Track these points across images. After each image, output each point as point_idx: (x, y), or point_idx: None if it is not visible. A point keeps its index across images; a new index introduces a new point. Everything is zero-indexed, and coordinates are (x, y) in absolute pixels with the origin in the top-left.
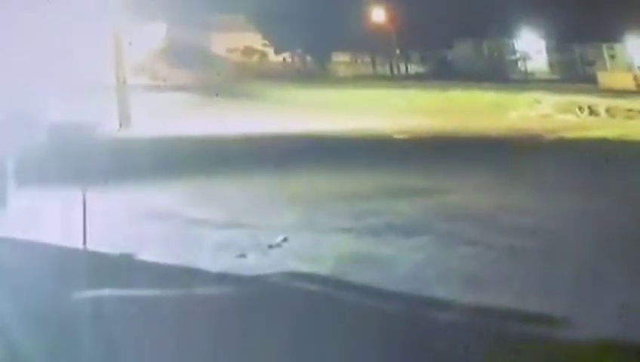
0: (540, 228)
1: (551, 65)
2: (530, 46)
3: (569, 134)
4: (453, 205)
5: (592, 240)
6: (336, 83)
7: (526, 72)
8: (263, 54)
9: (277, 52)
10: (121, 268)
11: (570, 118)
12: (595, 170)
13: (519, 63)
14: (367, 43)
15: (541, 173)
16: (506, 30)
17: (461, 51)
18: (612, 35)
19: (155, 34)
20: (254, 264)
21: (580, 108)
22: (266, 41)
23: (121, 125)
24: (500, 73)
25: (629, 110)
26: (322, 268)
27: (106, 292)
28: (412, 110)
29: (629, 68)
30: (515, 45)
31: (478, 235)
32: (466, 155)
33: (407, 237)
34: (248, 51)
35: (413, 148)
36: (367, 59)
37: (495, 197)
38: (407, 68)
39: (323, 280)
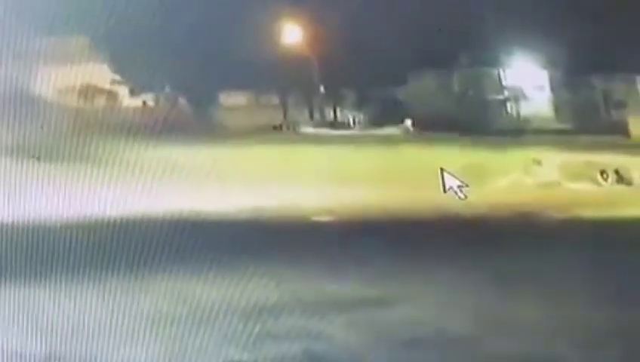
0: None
1: (558, 108)
2: (527, 80)
3: (586, 212)
4: (407, 323)
5: None
6: (226, 138)
7: (519, 118)
8: (113, 96)
9: (134, 92)
10: None
11: (587, 187)
12: (629, 269)
13: (509, 106)
14: (276, 77)
15: (544, 274)
16: (489, 56)
17: (419, 89)
18: None
19: None
20: None
21: (603, 173)
22: (118, 76)
23: None
24: (479, 121)
25: None
26: None
27: None
28: (342, 177)
29: None
30: (503, 79)
31: None
32: (426, 246)
33: None
34: (90, 91)
35: (342, 235)
36: (275, 101)
37: (473, 312)
38: (335, 114)
39: None
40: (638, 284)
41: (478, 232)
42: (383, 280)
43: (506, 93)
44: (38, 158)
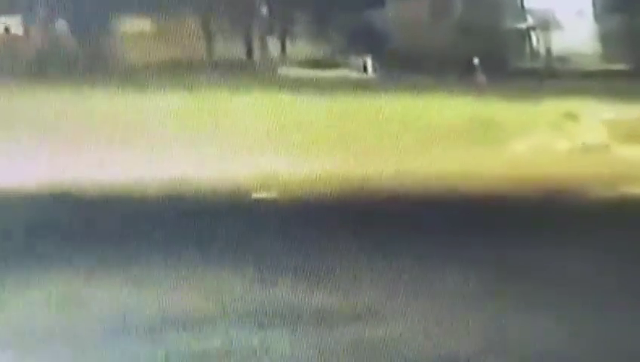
0: None
1: (604, 41)
2: (560, 1)
3: None
4: (387, 345)
5: None
6: (126, 79)
7: (548, 55)
8: None
9: None
10: None
11: None
12: None
13: (534, 38)
14: None
15: (579, 280)
16: None
17: (398, 15)
18: None
19: None
20: None
21: None
22: None
23: None
24: (491, 59)
25: None
26: None
27: None
28: (292, 138)
29: None
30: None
31: None
32: (409, 238)
33: None
34: None
35: (293, 219)
36: (197, 26)
37: (476, 334)
38: (284, 47)
39: None
40: None
41: (486, 218)
42: (347, 286)
43: (530, 19)
44: None
